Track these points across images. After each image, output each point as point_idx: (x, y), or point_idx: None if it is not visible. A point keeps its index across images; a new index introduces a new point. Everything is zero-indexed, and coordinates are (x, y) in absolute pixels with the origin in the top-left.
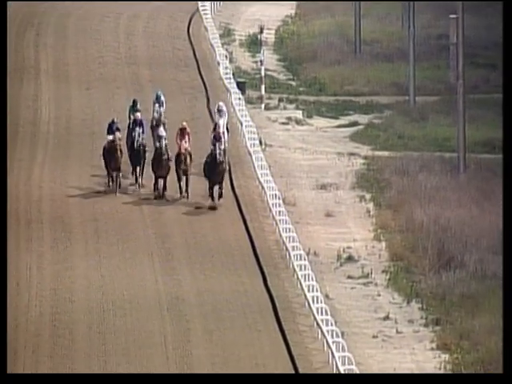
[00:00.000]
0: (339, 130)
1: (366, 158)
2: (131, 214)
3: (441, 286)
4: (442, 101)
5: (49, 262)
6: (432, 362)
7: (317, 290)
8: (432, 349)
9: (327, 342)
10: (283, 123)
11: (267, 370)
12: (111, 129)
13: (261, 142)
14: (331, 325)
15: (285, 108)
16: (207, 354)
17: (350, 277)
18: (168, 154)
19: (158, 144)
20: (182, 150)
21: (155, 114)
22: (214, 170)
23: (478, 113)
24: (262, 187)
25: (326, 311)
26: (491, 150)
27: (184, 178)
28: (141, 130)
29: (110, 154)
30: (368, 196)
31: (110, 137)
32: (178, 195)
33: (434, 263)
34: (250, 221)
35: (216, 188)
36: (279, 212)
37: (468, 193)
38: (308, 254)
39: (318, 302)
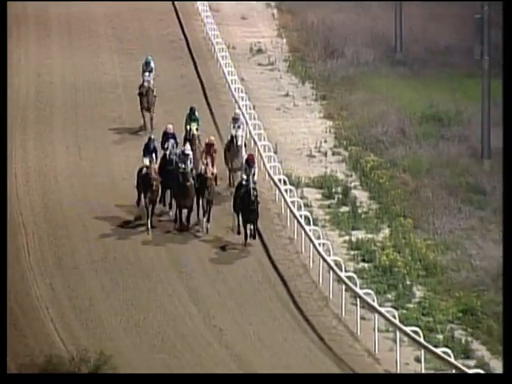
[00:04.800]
0: None
1: None
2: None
3: (326, 70)
4: None
5: (34, 54)
6: (320, 127)
7: (235, 75)
8: (320, 117)
9: (243, 113)
10: None
11: None
12: (148, 150)
13: None
14: (246, 100)
15: None
16: None
17: (259, 64)
18: (194, 179)
19: (182, 165)
20: (209, 174)
21: (145, 83)
22: (248, 206)
23: None
24: None
25: (241, 90)
26: None
27: (208, 208)
28: (174, 143)
29: (144, 183)
30: (273, 4)
31: (147, 161)
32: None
33: (321, 54)
34: (184, 21)
35: (249, 226)
36: (206, 16)
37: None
38: (228, 47)
39: (235, 84)
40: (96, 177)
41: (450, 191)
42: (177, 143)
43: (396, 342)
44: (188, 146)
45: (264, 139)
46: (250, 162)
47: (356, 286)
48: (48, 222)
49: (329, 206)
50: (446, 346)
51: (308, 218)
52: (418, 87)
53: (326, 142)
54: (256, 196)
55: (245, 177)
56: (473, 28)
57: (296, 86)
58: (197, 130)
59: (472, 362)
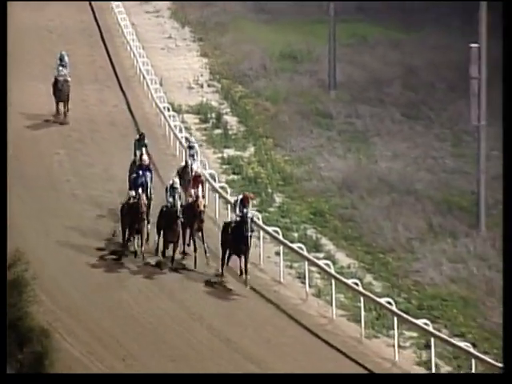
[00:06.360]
0: None
1: None
2: None
3: (203, 17)
4: None
5: None
6: (197, 64)
7: (126, 20)
8: (198, 56)
9: (133, 52)
10: None
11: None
12: (135, 183)
13: None
14: (136, 42)
15: None
16: None
17: (147, 12)
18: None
19: (171, 200)
20: (201, 207)
21: (60, 77)
22: (243, 241)
23: None
24: None
25: (132, 33)
26: None
27: (200, 234)
28: (151, 175)
29: (131, 212)
30: None
31: (133, 192)
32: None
33: (198, 3)
34: None
35: (241, 260)
36: None
37: None
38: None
39: (127, 28)
40: (21, 107)
41: (303, 116)
42: (151, 177)
43: (260, 240)
44: (177, 179)
45: (151, 74)
46: (244, 202)
47: (227, 194)
48: None
49: (205, 129)
50: (301, 242)
51: (188, 139)
52: (277, 31)
53: (202, 76)
54: (249, 231)
55: (238, 214)
56: None
57: (177, 30)
58: (148, 154)
59: (321, 255)
